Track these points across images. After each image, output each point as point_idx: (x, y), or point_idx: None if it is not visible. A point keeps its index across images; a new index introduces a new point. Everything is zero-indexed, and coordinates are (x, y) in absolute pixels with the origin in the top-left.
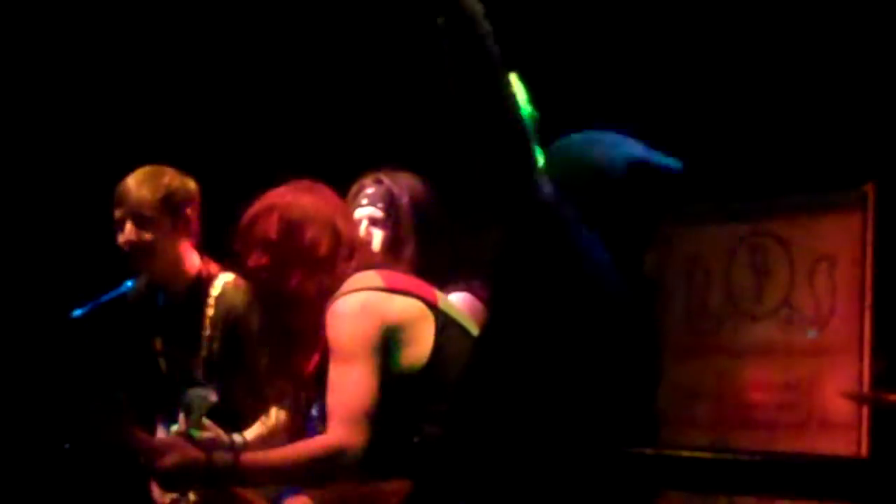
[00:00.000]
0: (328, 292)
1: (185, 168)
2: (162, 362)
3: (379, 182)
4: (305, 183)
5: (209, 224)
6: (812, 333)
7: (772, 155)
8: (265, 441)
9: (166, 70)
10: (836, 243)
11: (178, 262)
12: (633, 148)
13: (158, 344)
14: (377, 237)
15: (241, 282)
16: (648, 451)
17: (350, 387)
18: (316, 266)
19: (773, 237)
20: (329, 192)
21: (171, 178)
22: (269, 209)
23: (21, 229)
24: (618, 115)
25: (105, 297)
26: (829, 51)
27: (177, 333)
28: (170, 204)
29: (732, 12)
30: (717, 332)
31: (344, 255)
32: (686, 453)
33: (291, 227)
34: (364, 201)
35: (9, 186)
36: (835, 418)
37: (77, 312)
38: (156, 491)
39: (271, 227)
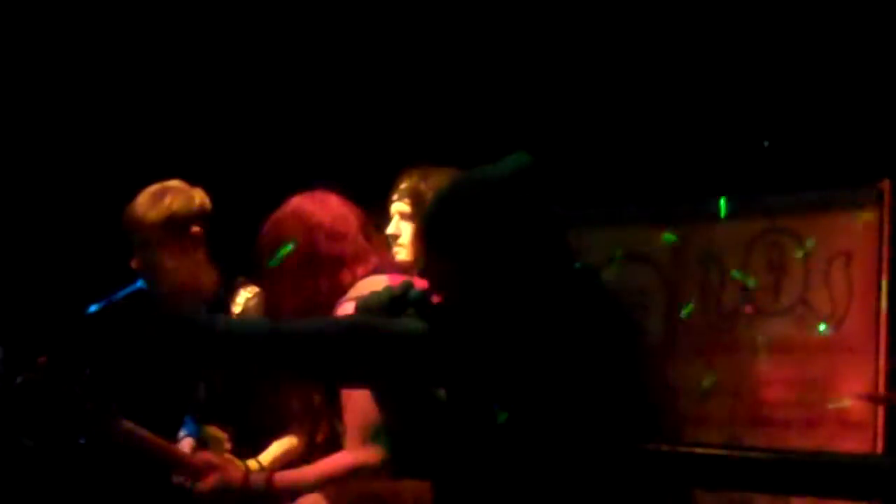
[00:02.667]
0: (304, 309)
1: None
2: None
3: (409, 177)
4: (309, 194)
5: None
6: (828, 330)
7: (787, 151)
8: (281, 463)
9: (194, 72)
10: (852, 240)
11: (190, 280)
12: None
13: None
14: (406, 231)
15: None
16: (663, 447)
17: (361, 402)
18: (295, 283)
19: (789, 233)
20: (325, 205)
21: (174, 197)
22: (263, 236)
23: (35, 227)
24: (632, 110)
25: (119, 294)
26: (846, 47)
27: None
28: (173, 225)
29: (749, 7)
30: (732, 329)
31: (326, 270)
32: (700, 450)
33: (274, 247)
34: (395, 196)
35: (25, 184)
36: (850, 416)
37: (91, 309)
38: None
39: (262, 255)
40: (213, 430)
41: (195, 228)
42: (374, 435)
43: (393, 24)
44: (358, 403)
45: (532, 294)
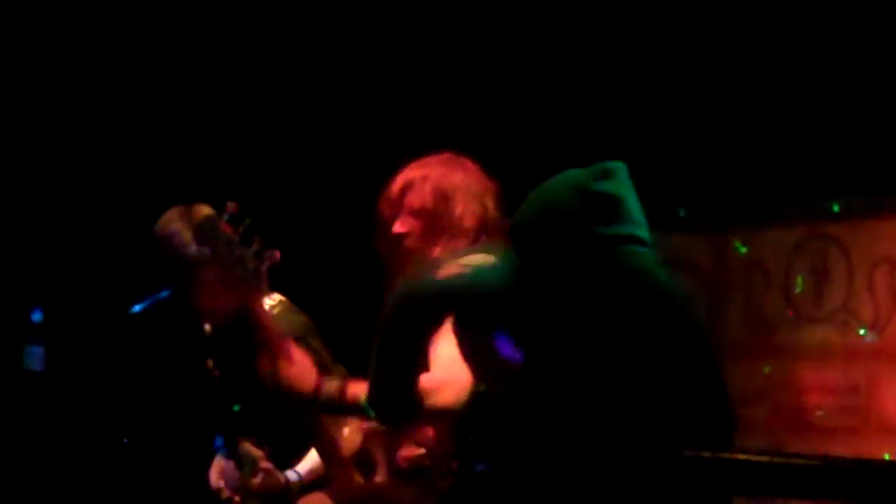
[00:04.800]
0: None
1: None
2: (214, 378)
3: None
4: (451, 156)
5: None
6: (870, 337)
7: (830, 157)
8: (318, 472)
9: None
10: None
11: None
12: (576, 173)
13: (210, 364)
14: None
15: (291, 304)
16: (704, 454)
17: (447, 362)
18: (460, 237)
19: (832, 240)
20: (476, 168)
21: (198, 211)
22: (423, 178)
23: (79, 226)
24: (675, 115)
25: (163, 294)
26: (886, 53)
27: (229, 356)
28: (202, 238)
29: (781, 15)
30: (774, 335)
31: (487, 231)
32: (742, 456)
33: (445, 198)
34: None
35: (65, 185)
36: (892, 423)
37: (135, 308)
38: (213, 476)
39: (426, 196)
40: (250, 448)
41: None
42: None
43: (395, 21)
44: (444, 361)
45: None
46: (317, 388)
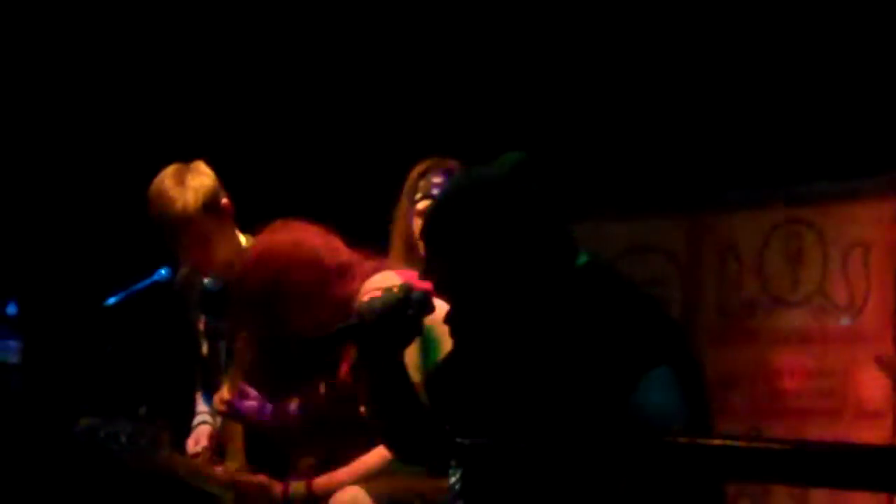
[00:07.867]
0: (327, 319)
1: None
2: (204, 344)
3: (448, 172)
4: (278, 225)
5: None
6: (846, 321)
7: (804, 141)
8: None
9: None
10: (870, 230)
11: (230, 249)
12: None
13: (202, 324)
14: None
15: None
16: (681, 439)
17: None
18: (308, 303)
19: (807, 224)
20: (305, 226)
21: (194, 177)
22: (250, 271)
23: (55, 218)
24: (650, 100)
25: (139, 286)
26: (861, 36)
27: (223, 309)
28: (209, 206)
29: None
30: (750, 320)
31: (334, 281)
32: (718, 441)
33: (275, 279)
34: (434, 191)
35: (41, 177)
36: (868, 406)
37: (110, 301)
38: (190, 443)
39: (255, 287)
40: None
41: (224, 201)
42: None
43: (392, 21)
44: None
45: (529, 292)
46: (285, 491)
